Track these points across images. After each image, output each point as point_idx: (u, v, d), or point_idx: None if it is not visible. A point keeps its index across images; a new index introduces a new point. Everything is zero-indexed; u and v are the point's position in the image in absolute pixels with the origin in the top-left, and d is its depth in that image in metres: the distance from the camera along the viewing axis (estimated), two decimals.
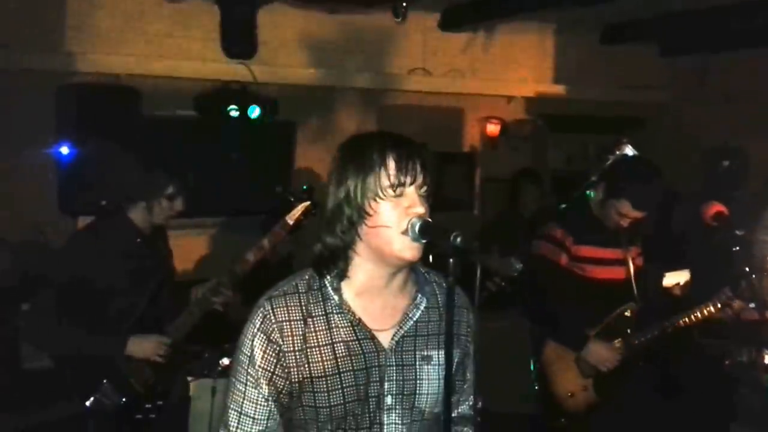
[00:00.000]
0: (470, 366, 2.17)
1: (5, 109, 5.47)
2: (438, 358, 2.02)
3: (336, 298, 1.96)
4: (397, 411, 1.99)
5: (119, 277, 3.56)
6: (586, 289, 3.91)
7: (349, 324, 1.95)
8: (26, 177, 5.63)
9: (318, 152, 6.68)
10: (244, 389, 1.96)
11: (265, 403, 1.96)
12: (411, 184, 1.90)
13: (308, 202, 3.60)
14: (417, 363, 2.01)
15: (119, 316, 3.60)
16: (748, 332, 4.30)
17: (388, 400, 1.98)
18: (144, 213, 3.67)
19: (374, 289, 1.99)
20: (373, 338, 1.96)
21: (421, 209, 1.90)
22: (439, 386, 2.01)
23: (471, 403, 2.25)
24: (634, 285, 3.98)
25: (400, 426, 2.00)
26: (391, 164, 1.88)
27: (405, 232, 1.88)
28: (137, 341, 3.55)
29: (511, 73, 7.88)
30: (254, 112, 6.16)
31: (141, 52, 6.06)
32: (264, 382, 1.94)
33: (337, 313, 1.95)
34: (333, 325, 1.95)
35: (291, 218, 3.60)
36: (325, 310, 1.96)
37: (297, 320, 1.93)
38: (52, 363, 3.81)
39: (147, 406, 3.66)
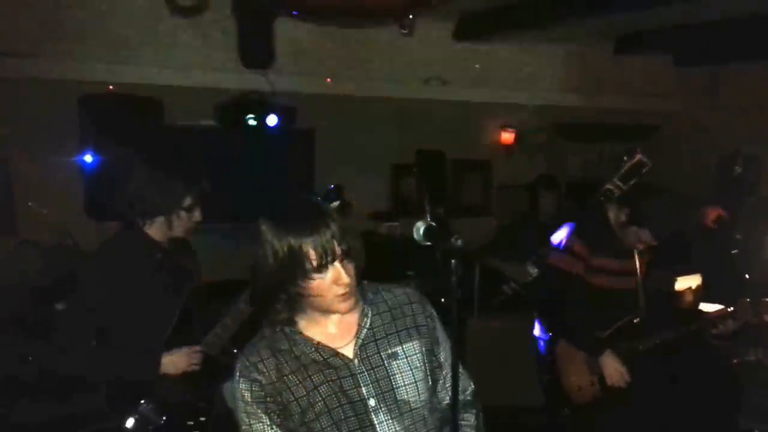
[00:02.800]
0: (445, 353, 2.27)
1: (32, 117, 5.63)
2: (403, 351, 2.18)
3: (293, 332, 2.15)
4: (383, 410, 2.11)
5: (144, 296, 3.29)
6: (596, 297, 4.00)
7: (313, 349, 2.13)
8: (54, 183, 5.79)
9: (337, 159, 6.83)
10: (249, 422, 2.12)
11: (271, 431, 2.12)
12: (332, 261, 2.04)
13: (337, 202, 3.39)
14: (385, 362, 2.16)
15: (149, 336, 3.35)
16: (754, 333, 4.37)
17: (371, 402, 2.11)
18: (163, 227, 3.38)
19: (325, 316, 2.16)
20: (337, 354, 2.13)
21: (346, 279, 2.06)
22: (413, 376, 2.16)
23: (468, 388, 2.37)
24: (641, 294, 4.07)
25: (391, 422, 2.12)
26: (311, 253, 2.01)
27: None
28: (169, 357, 3.34)
29: (525, 82, 7.95)
30: (272, 120, 6.29)
31: (161, 63, 6.20)
32: (261, 412, 2.11)
33: (299, 343, 2.13)
34: (299, 353, 2.13)
35: None
36: (289, 344, 2.14)
37: (268, 358, 2.12)
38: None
39: (189, 423, 3.46)
